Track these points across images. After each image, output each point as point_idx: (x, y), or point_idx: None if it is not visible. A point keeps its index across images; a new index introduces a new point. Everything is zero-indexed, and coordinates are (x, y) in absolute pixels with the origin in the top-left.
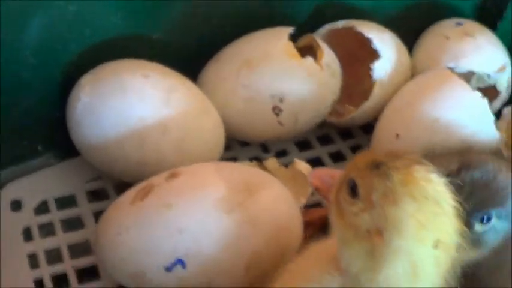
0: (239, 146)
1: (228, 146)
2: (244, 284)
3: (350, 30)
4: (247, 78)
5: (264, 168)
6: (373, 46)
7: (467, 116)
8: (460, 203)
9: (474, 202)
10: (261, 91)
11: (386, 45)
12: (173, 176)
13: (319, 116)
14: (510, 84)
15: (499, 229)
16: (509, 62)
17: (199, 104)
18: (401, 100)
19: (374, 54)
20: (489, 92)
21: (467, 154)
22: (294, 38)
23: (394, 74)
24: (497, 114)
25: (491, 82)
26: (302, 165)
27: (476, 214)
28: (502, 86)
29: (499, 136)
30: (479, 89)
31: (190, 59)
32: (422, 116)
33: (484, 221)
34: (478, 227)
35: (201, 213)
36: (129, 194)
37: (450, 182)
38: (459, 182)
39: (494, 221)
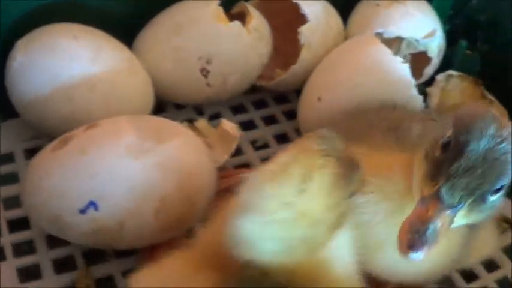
0: (174, 108)
1: (163, 109)
2: (155, 227)
3: None
4: (177, 41)
5: (195, 129)
6: (301, 11)
7: (387, 80)
8: None
9: (488, 180)
10: (189, 53)
11: (315, 10)
12: (91, 126)
13: (248, 78)
14: (442, 50)
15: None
16: (439, 28)
17: (127, 63)
18: (326, 64)
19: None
20: (422, 58)
21: (457, 113)
22: (228, 6)
23: (323, 39)
24: (431, 81)
25: (421, 48)
26: (228, 125)
27: (492, 190)
28: (433, 52)
29: (421, 100)
30: (411, 55)
31: (126, 26)
32: (343, 80)
33: (498, 192)
34: (492, 198)
35: (112, 158)
36: (52, 143)
37: (457, 166)
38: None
39: (505, 186)
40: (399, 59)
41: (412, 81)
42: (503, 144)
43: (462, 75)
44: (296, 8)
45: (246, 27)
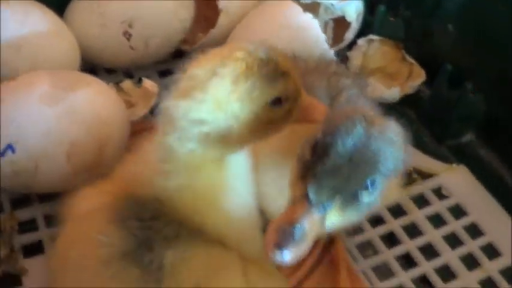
0: (105, 73)
1: (94, 72)
2: (68, 170)
3: None
4: (101, 7)
5: (121, 89)
6: None
7: (299, 36)
8: None
9: (355, 180)
10: (112, 18)
11: None
12: (11, 79)
13: (170, 42)
14: (361, 14)
15: (385, 185)
16: None
17: (54, 28)
18: (241, 26)
19: None
20: (344, 24)
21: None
22: None
23: (242, 5)
24: (351, 45)
25: (338, 12)
26: (149, 83)
27: (361, 189)
28: (351, 16)
29: (332, 54)
30: (333, 21)
31: None
32: (257, 38)
33: (370, 188)
34: (366, 195)
35: (27, 106)
36: None
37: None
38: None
39: (379, 184)
40: (309, 15)
41: (323, 36)
42: (372, 144)
43: (383, 39)
44: None
45: None
